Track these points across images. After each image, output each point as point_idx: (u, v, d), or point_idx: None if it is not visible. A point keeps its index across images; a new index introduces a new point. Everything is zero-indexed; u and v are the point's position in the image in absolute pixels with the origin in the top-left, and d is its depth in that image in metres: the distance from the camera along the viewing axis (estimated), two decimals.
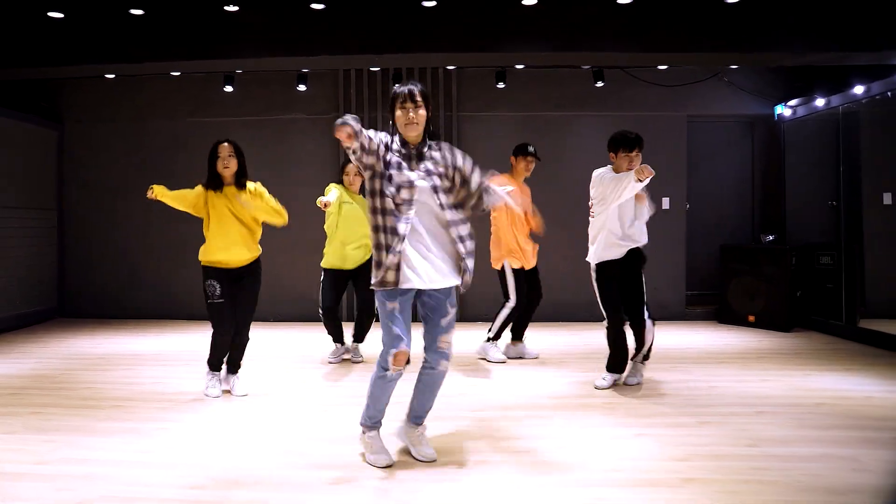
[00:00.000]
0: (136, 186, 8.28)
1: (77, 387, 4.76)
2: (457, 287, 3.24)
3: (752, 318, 7.26)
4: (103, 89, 8.15)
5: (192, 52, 5.86)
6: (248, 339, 4.63)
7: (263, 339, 6.66)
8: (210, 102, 8.09)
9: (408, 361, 3.26)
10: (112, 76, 7.52)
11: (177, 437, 3.63)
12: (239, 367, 4.67)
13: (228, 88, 7.75)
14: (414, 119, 3.18)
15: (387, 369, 3.18)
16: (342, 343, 5.70)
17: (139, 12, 5.74)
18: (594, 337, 6.54)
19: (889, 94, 6.13)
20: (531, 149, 5.59)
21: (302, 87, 7.76)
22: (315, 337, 6.55)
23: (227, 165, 4.36)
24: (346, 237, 5.45)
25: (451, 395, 4.47)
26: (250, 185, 4.46)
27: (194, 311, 7.79)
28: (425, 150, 3.24)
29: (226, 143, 4.39)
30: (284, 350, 6.18)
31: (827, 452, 3.29)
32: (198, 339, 6.74)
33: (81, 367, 5.43)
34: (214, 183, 4.40)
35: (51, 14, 5.69)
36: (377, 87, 7.98)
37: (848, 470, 3.07)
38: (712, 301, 7.90)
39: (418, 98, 3.20)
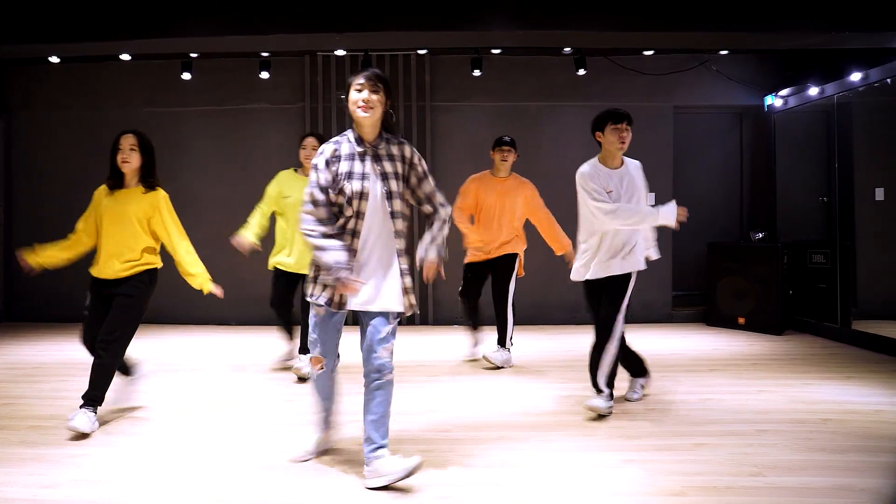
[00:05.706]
0: (89, 179, 7.66)
1: None
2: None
3: (741, 320, 6.87)
4: (54, 76, 7.56)
5: (137, 30, 5.30)
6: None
7: (222, 343, 6.16)
8: (168, 90, 7.53)
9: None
10: (58, 60, 6.94)
11: (91, 468, 3.12)
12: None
13: (186, 76, 7.22)
14: (369, 103, 2.87)
15: None
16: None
17: None
18: (574, 342, 6.13)
19: (889, 80, 5.74)
20: (506, 138, 5.32)
21: (265, 75, 7.25)
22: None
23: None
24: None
25: (419, 412, 4.00)
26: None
27: (149, 314, 7.23)
28: (381, 147, 2.97)
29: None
30: (246, 356, 5.67)
31: (844, 483, 2.84)
32: (142, 344, 6.19)
33: (9, 379, 4.90)
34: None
35: None
36: (345, 75, 7.46)
37: None
38: (700, 302, 7.49)
39: (377, 81, 2.89)
